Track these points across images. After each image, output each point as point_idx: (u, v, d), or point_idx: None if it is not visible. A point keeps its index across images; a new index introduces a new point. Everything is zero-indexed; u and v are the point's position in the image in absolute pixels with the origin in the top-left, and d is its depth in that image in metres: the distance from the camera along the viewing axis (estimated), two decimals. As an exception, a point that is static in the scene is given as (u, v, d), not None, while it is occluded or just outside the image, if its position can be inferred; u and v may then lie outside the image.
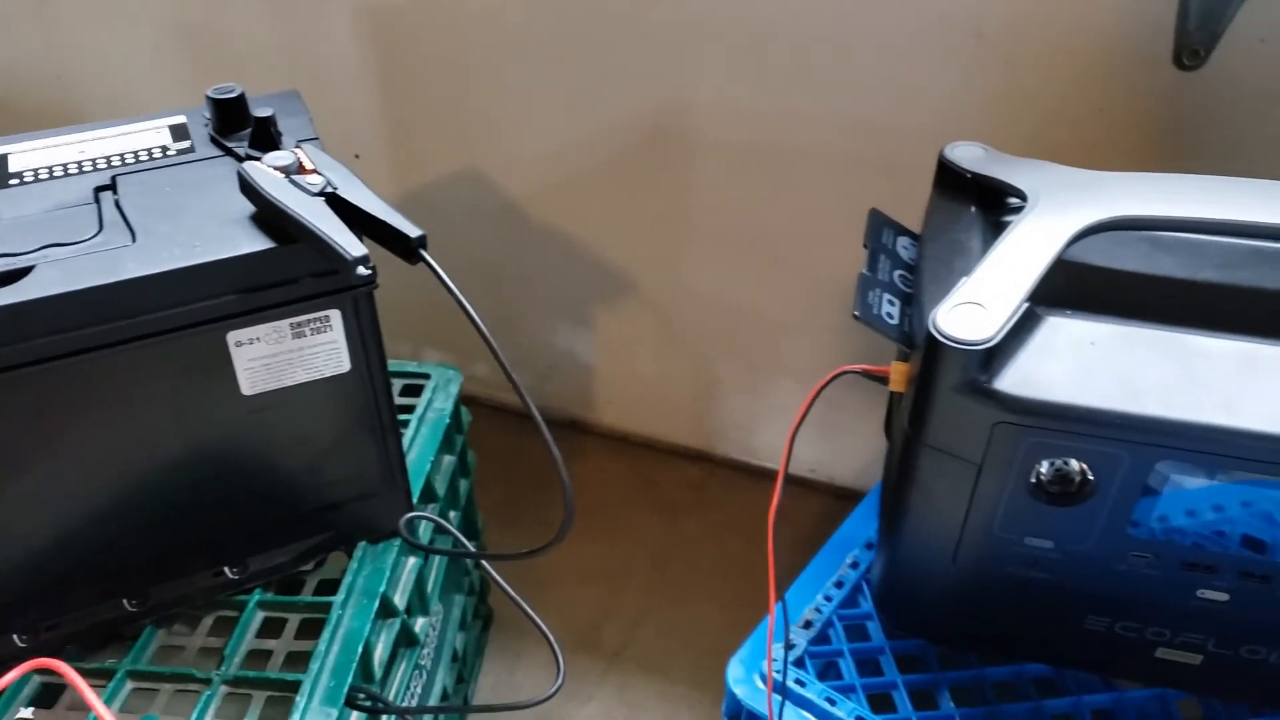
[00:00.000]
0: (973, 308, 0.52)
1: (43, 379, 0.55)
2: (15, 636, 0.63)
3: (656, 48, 1.00)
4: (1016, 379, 0.51)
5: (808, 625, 0.68)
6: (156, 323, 0.55)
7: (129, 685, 0.65)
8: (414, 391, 0.89)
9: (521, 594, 0.78)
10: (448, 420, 0.87)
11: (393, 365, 0.90)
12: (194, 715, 0.62)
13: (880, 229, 0.66)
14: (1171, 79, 0.80)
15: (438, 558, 0.84)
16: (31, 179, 0.63)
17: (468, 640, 0.99)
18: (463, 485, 0.94)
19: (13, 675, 0.57)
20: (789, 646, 0.66)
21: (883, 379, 0.61)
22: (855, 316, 0.58)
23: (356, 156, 1.21)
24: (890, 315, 0.59)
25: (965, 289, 0.53)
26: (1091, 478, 0.53)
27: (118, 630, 0.67)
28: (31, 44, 1.32)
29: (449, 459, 0.90)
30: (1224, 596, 0.56)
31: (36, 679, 0.65)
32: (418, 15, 1.09)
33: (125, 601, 0.66)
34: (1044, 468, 0.54)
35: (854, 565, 0.73)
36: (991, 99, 0.88)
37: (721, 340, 1.23)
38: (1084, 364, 0.51)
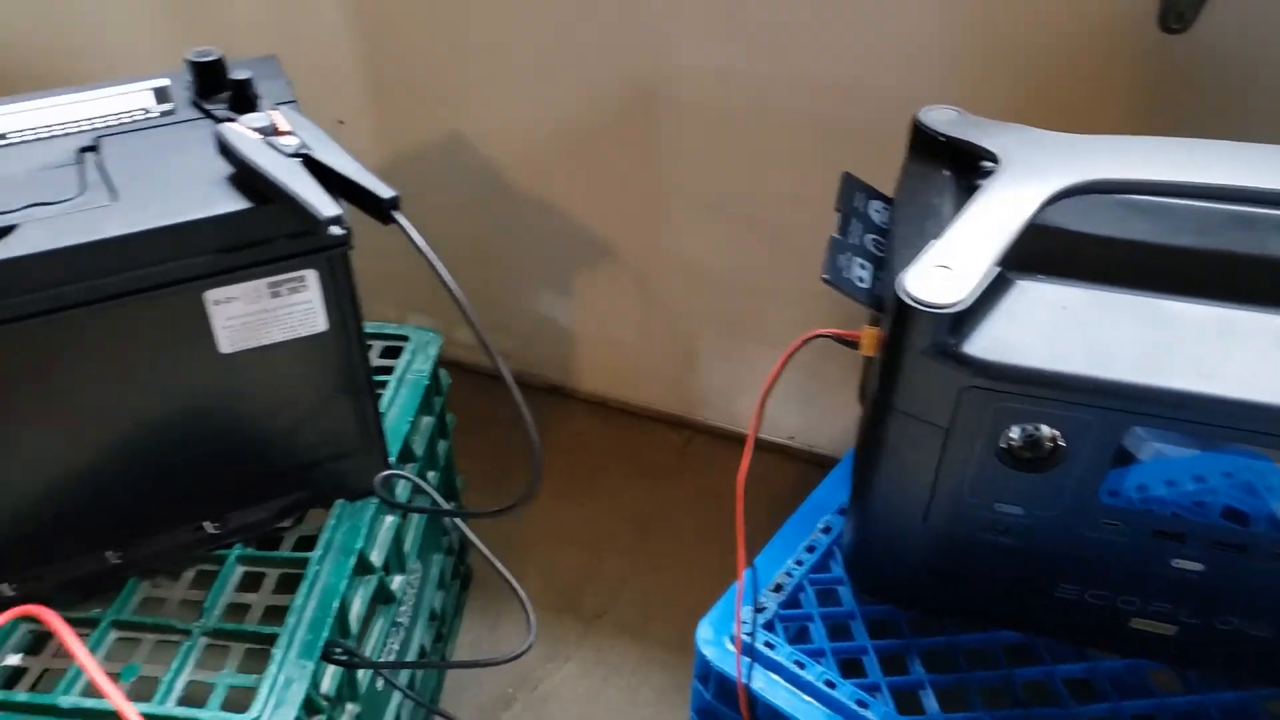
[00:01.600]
0: (942, 271, 0.52)
1: (26, 335, 0.55)
2: (4, 585, 0.64)
3: (638, 9, 1.00)
4: (985, 343, 0.52)
5: (778, 589, 0.69)
6: (137, 280, 0.56)
7: (113, 634, 0.66)
8: (394, 353, 0.89)
9: (503, 556, 0.79)
10: (426, 382, 0.88)
11: (372, 327, 0.90)
12: (174, 665, 0.63)
13: (852, 192, 0.66)
14: (1155, 41, 0.80)
15: (415, 517, 0.85)
16: (17, 140, 0.63)
17: (446, 599, 1.00)
18: (441, 446, 0.95)
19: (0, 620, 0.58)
20: (759, 609, 0.68)
21: (854, 344, 0.61)
22: (824, 279, 0.59)
23: (340, 122, 1.20)
24: (861, 279, 0.60)
25: (934, 252, 0.53)
26: (1063, 444, 0.54)
27: (102, 582, 0.68)
28: (26, 11, 1.31)
29: (427, 420, 0.90)
30: (1198, 566, 0.56)
31: (25, 627, 0.66)
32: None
33: (109, 554, 0.67)
34: (1014, 433, 0.55)
35: (826, 530, 0.74)
36: (970, 62, 0.88)
37: (702, 306, 1.23)
38: (1055, 328, 0.52)
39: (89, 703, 0.60)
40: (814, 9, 0.92)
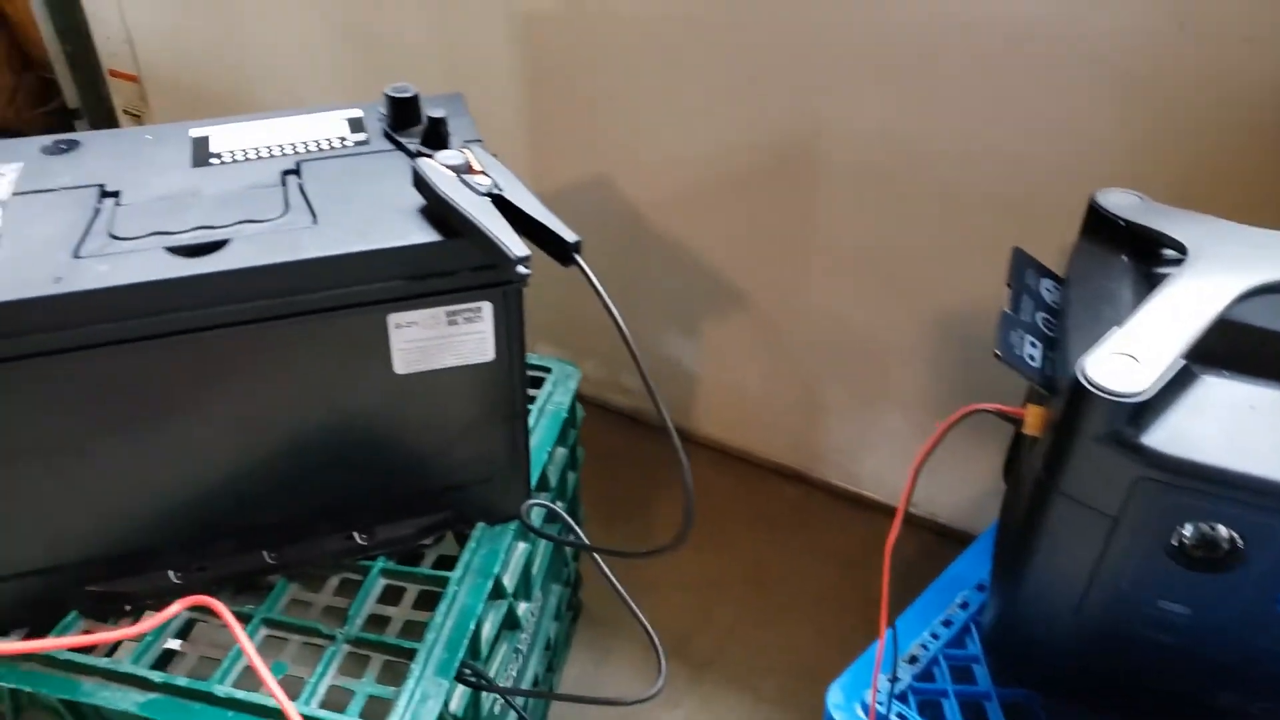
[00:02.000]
0: (1124, 359, 0.51)
1: (222, 343, 0.59)
2: (171, 573, 0.68)
3: (797, 67, 1.01)
4: (1165, 435, 0.50)
5: (913, 660, 0.68)
6: (330, 299, 0.59)
7: (263, 631, 0.69)
8: (534, 384, 0.92)
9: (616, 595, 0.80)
10: (565, 415, 0.90)
11: (519, 357, 0.93)
12: (319, 669, 0.65)
13: (1024, 268, 0.66)
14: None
15: (543, 546, 0.87)
16: (229, 159, 0.68)
17: (559, 630, 1.01)
18: (571, 479, 0.97)
19: (178, 607, 0.62)
20: (894, 680, 0.67)
21: (1017, 420, 0.61)
22: (996, 356, 0.58)
23: (494, 155, 1.25)
24: (1032, 358, 0.59)
25: (1117, 339, 0.52)
26: (1241, 546, 0.52)
27: (255, 579, 0.71)
28: (215, 35, 1.41)
29: (561, 452, 0.92)
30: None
31: (184, 614, 0.70)
32: (567, 22, 1.12)
33: (265, 554, 0.70)
34: (1187, 530, 0.53)
35: (963, 606, 0.72)
36: (1139, 143, 0.86)
37: (831, 362, 1.23)
38: (1241, 427, 0.50)
39: (241, 694, 0.62)
40: (983, 78, 0.91)
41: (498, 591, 0.76)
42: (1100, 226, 0.65)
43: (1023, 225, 0.93)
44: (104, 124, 1.77)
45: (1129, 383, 0.50)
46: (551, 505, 0.76)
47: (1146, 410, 0.51)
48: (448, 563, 0.75)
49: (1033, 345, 0.60)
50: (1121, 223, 0.64)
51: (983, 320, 1.07)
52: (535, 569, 0.85)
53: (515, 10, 1.14)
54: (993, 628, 0.67)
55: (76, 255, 0.58)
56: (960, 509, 1.23)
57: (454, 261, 0.61)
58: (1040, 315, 0.63)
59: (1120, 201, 0.66)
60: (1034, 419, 0.59)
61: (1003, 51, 0.89)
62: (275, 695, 0.56)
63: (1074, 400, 0.52)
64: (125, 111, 1.70)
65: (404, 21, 1.23)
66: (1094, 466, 0.52)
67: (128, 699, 0.63)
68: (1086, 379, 0.51)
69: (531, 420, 0.88)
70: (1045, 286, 0.66)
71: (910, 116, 0.97)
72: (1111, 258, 0.63)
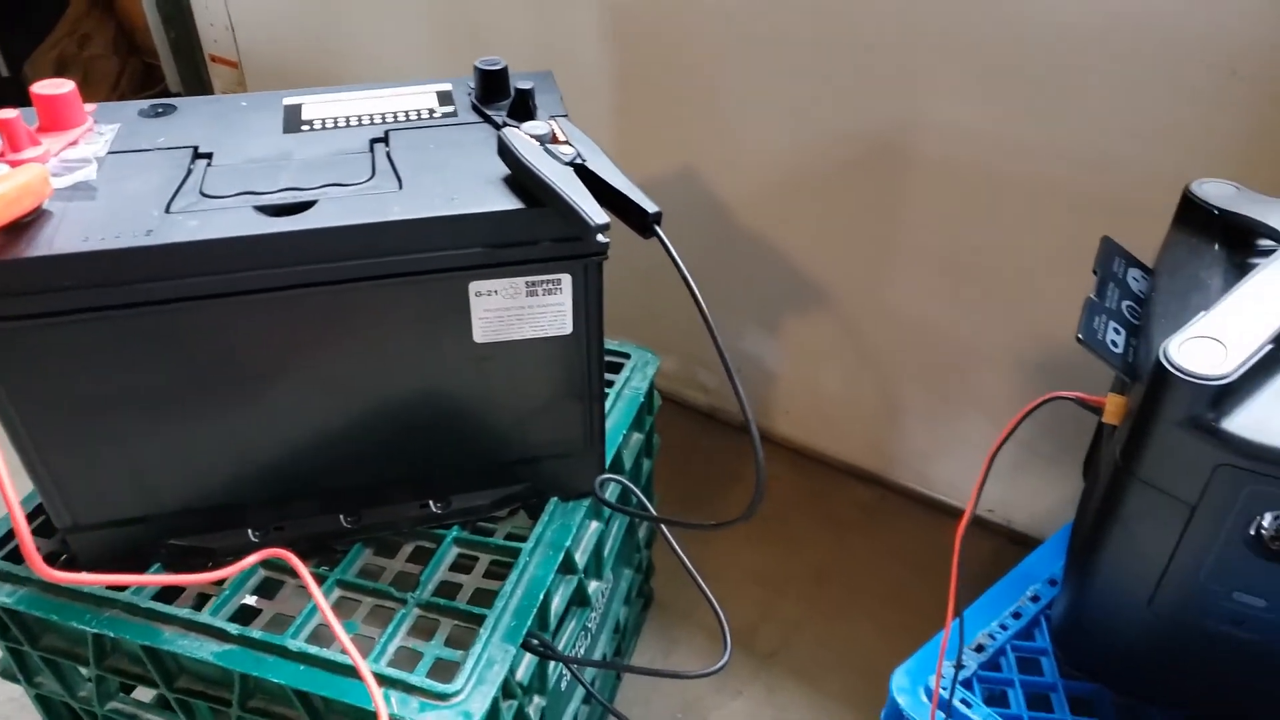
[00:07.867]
0: (1209, 343, 0.50)
1: (307, 303, 0.61)
2: (250, 532, 0.71)
3: (892, 65, 1.01)
4: (1248, 421, 0.49)
5: (980, 649, 0.67)
6: (412, 264, 0.61)
7: (337, 593, 0.71)
8: (613, 369, 0.93)
9: (686, 583, 0.80)
10: (642, 400, 0.91)
11: (597, 340, 0.94)
12: (389, 629, 0.67)
13: (1112, 257, 0.64)
14: None
15: (615, 527, 0.88)
16: (319, 127, 0.70)
17: (629, 615, 1.02)
18: (645, 464, 0.97)
19: (253, 559, 0.64)
20: (959, 666, 0.66)
21: (1096, 409, 0.59)
22: (1079, 339, 0.57)
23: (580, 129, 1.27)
24: (1115, 344, 0.58)
25: (1203, 324, 0.51)
26: (1322, 539, 0.50)
27: (331, 542, 0.74)
28: (314, 22, 1.46)
29: (637, 437, 0.93)
30: None
31: (262, 572, 0.73)
32: (657, 14, 1.14)
33: (342, 517, 0.72)
34: (1267, 520, 0.51)
35: (1034, 599, 0.71)
36: (1240, 141, 0.84)
37: (912, 364, 1.21)
38: (1330, 417, 0.49)
39: (312, 649, 0.64)
40: (1074, 81, 0.90)
41: (568, 566, 0.77)
42: (1193, 216, 0.64)
43: (1115, 226, 0.91)
44: (208, 114, 1.84)
45: (1212, 366, 0.49)
46: (621, 479, 0.76)
47: (1229, 395, 0.49)
48: (520, 538, 0.76)
49: (1116, 332, 0.58)
50: (1215, 211, 0.62)
51: (1072, 323, 1.04)
52: (607, 549, 0.86)
53: (608, 1, 1.16)
54: (1063, 619, 0.65)
55: (168, 211, 0.59)
56: (1036, 516, 1.20)
57: (536, 231, 0.62)
58: (1126, 304, 0.62)
59: (1215, 191, 0.64)
60: (1114, 407, 0.57)
61: (1102, 50, 0.87)
62: (346, 648, 0.57)
63: (1155, 384, 0.51)
64: (226, 99, 1.76)
65: (500, 13, 1.26)
66: (1173, 452, 0.51)
67: (204, 648, 0.66)
68: (1168, 361, 0.49)
69: (609, 403, 0.89)
70: (1133, 276, 0.64)
71: (1003, 113, 0.96)
72: (1203, 247, 0.61)
